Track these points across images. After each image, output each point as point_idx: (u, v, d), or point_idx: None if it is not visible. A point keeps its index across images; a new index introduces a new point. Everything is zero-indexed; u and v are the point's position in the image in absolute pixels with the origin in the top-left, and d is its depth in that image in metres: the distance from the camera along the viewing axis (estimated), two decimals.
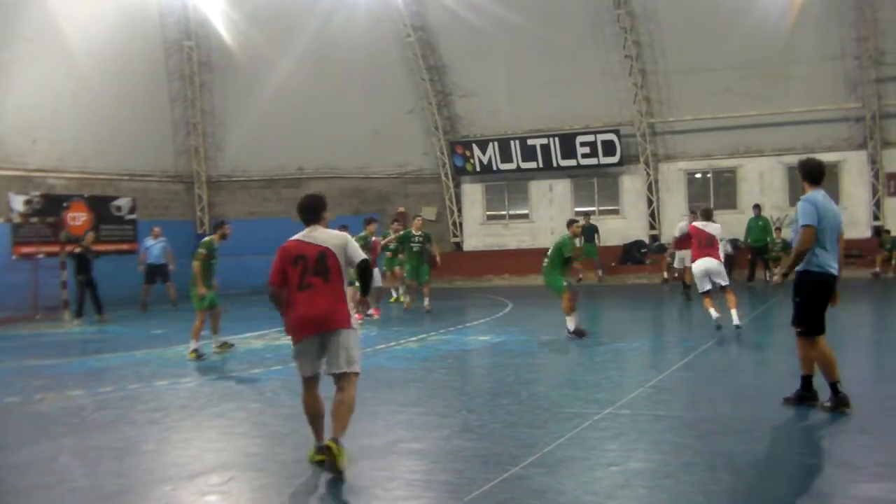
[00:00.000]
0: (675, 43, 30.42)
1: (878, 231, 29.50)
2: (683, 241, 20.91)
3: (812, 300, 9.46)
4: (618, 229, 32.65)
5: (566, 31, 31.00)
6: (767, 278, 27.87)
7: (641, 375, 12.45)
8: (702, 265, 16.70)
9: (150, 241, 26.64)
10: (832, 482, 7.10)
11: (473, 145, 33.96)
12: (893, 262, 28.58)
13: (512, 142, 33.44)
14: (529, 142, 33.22)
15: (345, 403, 7.77)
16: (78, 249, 23.95)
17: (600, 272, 31.18)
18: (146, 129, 32.47)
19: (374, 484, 7.37)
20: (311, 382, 8.03)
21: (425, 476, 7.60)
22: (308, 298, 7.91)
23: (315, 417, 8.05)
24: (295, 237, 8.19)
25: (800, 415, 9.39)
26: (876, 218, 29.86)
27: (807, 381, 9.71)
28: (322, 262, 7.96)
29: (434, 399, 11.12)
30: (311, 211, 8.30)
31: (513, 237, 30.95)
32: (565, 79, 31.66)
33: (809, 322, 9.49)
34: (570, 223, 17.36)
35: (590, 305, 23.47)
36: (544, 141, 32.96)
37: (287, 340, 8.77)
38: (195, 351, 15.40)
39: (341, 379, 7.85)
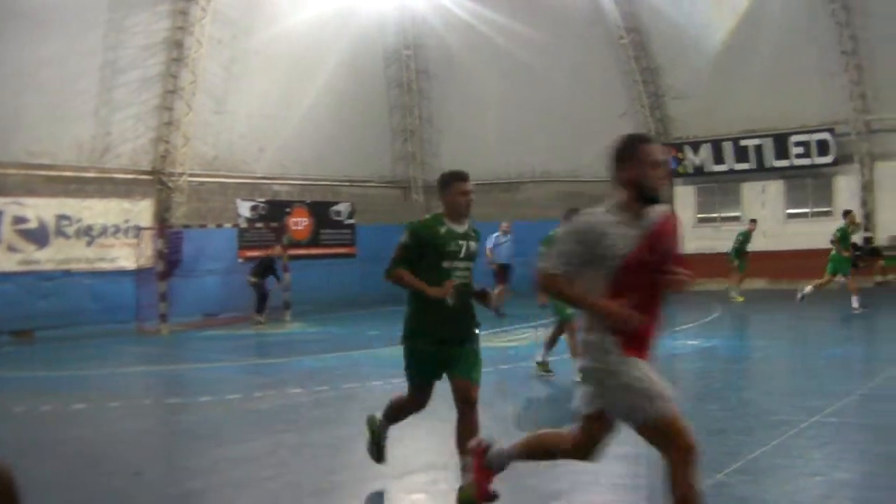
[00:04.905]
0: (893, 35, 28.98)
1: None
2: None
3: None
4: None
5: (779, 28, 30.06)
6: None
7: (853, 383, 12.12)
8: None
9: (500, 238, 24.59)
10: None
11: (686, 147, 33.54)
12: None
13: (724, 143, 32.80)
14: (742, 143, 32.51)
15: None
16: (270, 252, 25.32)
17: None
18: (365, 136, 33.49)
19: (573, 488, 7.50)
20: None
21: (627, 480, 7.69)
22: None
23: None
24: None
25: None
26: None
27: None
28: None
29: None
30: None
31: (724, 240, 30.17)
32: (778, 77, 30.68)
33: None
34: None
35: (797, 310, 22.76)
36: (757, 142, 32.19)
37: None
38: (544, 363, 13.35)
39: None
